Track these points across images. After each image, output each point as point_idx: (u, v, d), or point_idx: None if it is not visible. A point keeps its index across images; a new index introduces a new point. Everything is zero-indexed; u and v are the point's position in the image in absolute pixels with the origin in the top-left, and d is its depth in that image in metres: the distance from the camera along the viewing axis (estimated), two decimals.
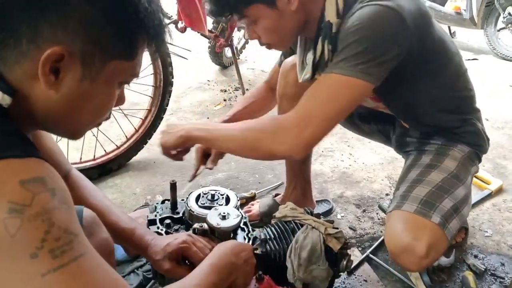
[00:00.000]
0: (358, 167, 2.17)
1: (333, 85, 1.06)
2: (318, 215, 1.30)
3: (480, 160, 1.34)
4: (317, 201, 1.79)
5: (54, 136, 1.03)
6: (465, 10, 4.14)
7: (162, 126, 1.59)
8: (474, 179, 2.00)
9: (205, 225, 1.16)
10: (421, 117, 1.29)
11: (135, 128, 2.13)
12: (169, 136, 1.23)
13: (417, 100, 1.25)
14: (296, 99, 1.12)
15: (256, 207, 1.72)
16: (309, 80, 1.22)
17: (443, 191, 1.17)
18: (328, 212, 1.76)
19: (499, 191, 1.95)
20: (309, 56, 1.21)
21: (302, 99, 1.10)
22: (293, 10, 1.11)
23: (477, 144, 1.30)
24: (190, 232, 1.15)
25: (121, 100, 0.78)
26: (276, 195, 1.81)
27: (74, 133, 0.78)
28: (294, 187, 1.67)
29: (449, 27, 4.69)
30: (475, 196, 1.90)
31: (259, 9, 1.09)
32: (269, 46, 1.24)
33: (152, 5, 0.68)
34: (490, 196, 1.91)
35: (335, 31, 1.09)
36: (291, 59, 1.44)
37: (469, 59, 4.10)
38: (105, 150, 2.07)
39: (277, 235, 1.22)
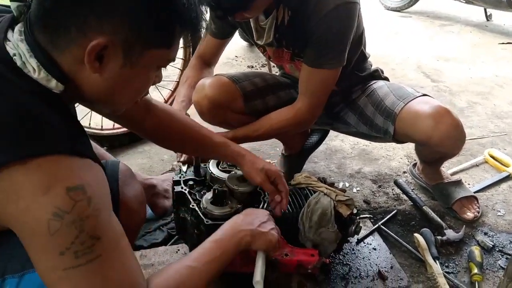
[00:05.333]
0: (377, 145, 2.21)
1: (325, 79, 1.43)
2: (331, 184, 1.38)
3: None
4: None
5: None
6: None
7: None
8: (493, 160, 2.03)
9: (224, 187, 1.26)
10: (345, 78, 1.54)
11: (164, 99, 2.24)
12: None
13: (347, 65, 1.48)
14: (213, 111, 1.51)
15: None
16: (269, 43, 1.44)
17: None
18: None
19: None
20: (262, 19, 1.39)
21: (306, 92, 1.45)
22: None
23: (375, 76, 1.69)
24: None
25: (158, 79, 0.88)
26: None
27: (115, 111, 0.90)
28: None
29: (485, 9, 4.55)
30: (493, 178, 1.93)
31: None
32: (243, 18, 1.33)
33: (190, 0, 0.77)
34: (507, 178, 1.93)
35: None
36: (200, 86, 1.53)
37: (503, 43, 3.99)
38: None
39: (290, 200, 1.31)
